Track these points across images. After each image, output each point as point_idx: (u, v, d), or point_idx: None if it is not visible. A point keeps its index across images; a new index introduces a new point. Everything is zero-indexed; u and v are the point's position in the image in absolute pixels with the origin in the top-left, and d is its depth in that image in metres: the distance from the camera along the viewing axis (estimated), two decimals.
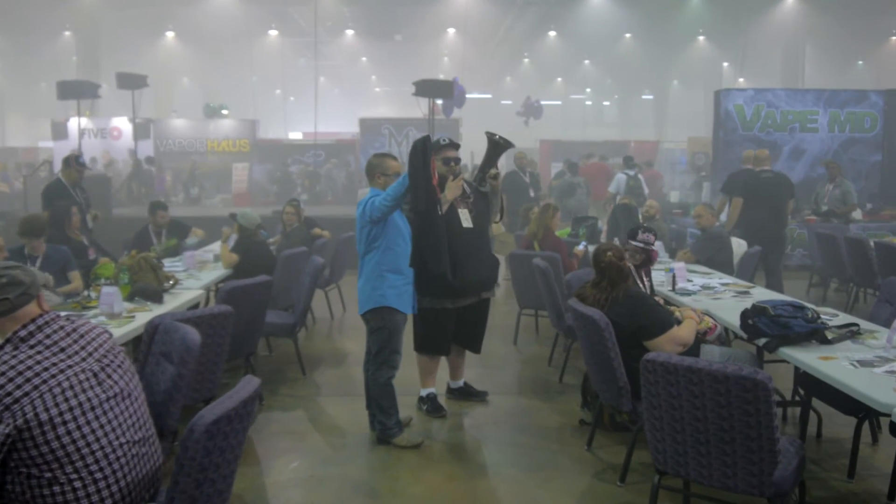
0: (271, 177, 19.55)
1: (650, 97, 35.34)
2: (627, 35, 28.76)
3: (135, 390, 2.51)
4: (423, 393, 5.00)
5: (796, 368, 3.98)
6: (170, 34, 28.76)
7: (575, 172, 12.57)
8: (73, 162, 7.14)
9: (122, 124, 21.01)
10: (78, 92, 12.44)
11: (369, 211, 4.22)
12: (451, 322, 4.81)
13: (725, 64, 29.99)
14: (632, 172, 11.34)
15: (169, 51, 29.22)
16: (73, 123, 21.90)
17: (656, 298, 4.60)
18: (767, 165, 8.28)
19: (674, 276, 5.29)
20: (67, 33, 27.29)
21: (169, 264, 6.69)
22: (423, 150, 4.05)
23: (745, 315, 3.91)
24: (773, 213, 7.84)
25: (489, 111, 32.82)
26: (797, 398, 4.47)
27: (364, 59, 34.46)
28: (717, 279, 5.86)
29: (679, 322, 3.97)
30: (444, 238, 4.21)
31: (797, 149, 12.50)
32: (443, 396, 5.20)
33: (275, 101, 33.66)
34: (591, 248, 7.61)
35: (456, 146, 4.79)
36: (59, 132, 21.23)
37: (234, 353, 4.91)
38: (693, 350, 3.89)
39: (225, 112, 22.13)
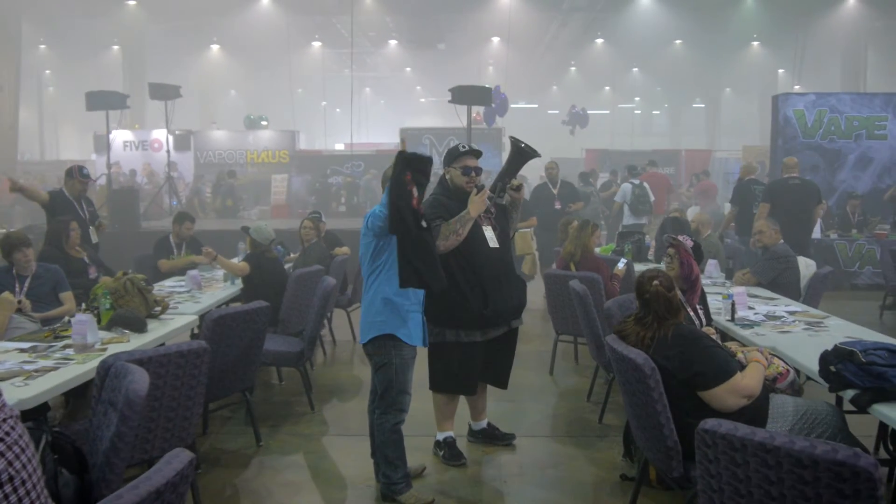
0: (310, 188, 19.15)
1: (701, 106, 34.34)
2: (678, 41, 27.89)
3: (22, 471, 1.92)
4: (440, 437, 4.35)
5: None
6: (214, 47, 28.85)
7: (587, 182, 13.10)
8: (76, 173, 6.67)
9: (163, 136, 20.96)
10: (106, 103, 12.14)
11: (371, 221, 3.64)
12: (480, 357, 4.18)
13: (781, 70, 28.84)
14: (636, 182, 11.25)
15: (213, 63, 29.32)
16: (115, 136, 21.99)
17: (711, 331, 3.87)
18: (795, 172, 8.44)
19: (733, 304, 4.53)
20: (116, 47, 27.51)
21: (173, 284, 6.19)
22: (404, 164, 3.46)
23: (826, 360, 3.17)
24: (799, 219, 7.99)
25: (535, 121, 32.22)
26: (886, 456, 3.71)
27: (408, 69, 34.19)
28: (783, 306, 5.07)
29: (742, 366, 3.24)
30: (436, 253, 3.61)
31: (864, 157, 11.58)
32: (463, 438, 4.55)
33: (321, 113, 33.51)
34: (640, 271, 6.97)
35: (476, 154, 4.15)
36: (102, 145, 21.30)
37: (227, 389, 4.34)
38: (761, 402, 3.16)
39: (264, 123, 21.92)
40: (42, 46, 29.54)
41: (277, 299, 5.82)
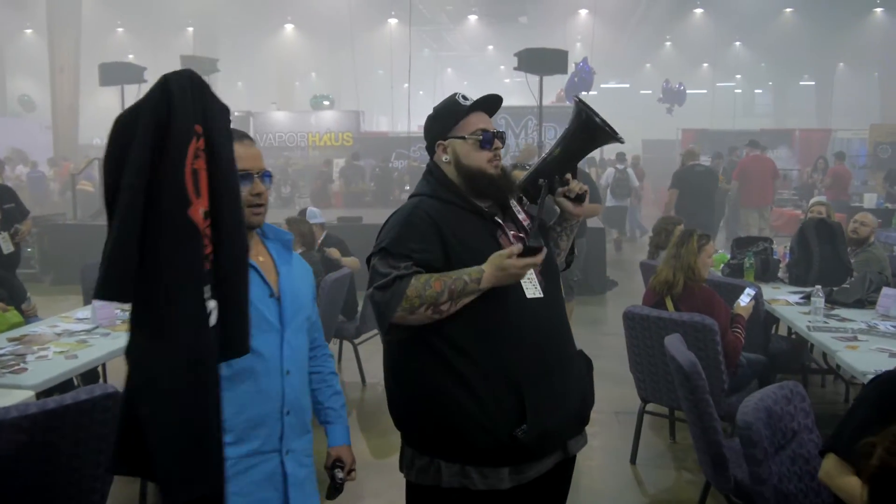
0: (370, 173, 17.41)
1: (810, 83, 30.92)
2: (787, 10, 24.84)
3: None
4: None
5: None
6: (289, 26, 27.68)
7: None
8: None
9: None
10: (121, 76, 10.70)
11: None
12: None
13: None
14: (621, 167, 11.48)
15: (288, 43, 28.16)
16: None
17: None
18: (698, 160, 9.29)
19: None
20: (191, 29, 26.75)
21: (83, 316, 4.24)
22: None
23: None
24: (705, 204, 8.70)
25: (627, 102, 29.68)
26: None
27: (490, 47, 32.27)
28: None
29: None
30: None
31: None
32: None
33: (403, 96, 32.06)
34: (769, 299, 4.54)
35: (491, 105, 2.08)
36: None
37: None
38: None
39: (326, 103, 20.49)
40: (119, 30, 28.96)
41: None
